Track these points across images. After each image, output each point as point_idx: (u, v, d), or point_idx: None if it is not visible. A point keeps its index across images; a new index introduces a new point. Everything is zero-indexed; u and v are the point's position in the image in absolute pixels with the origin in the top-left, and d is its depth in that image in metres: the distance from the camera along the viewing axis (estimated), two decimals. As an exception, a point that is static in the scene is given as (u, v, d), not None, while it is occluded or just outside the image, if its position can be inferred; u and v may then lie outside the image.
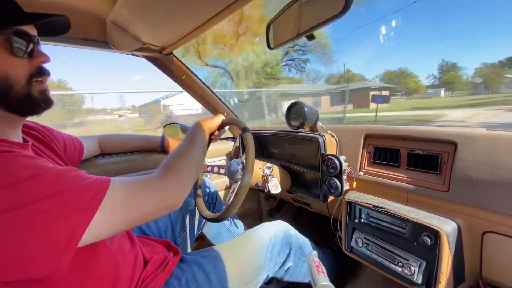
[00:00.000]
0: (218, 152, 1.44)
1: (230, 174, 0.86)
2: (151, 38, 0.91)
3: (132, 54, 1.01)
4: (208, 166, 1.00)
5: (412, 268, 0.67)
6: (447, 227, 0.61)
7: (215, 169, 0.96)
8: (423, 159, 0.72)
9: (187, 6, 0.72)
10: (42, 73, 0.50)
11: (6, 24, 0.45)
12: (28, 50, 0.47)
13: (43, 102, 0.51)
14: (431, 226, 0.62)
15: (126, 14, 0.76)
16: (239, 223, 1.22)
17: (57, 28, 0.56)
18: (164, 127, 1.31)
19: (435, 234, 0.62)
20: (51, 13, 0.51)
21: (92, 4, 0.75)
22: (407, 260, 0.69)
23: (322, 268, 0.60)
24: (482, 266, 0.63)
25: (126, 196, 0.46)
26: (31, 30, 0.49)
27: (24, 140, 0.55)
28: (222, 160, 1.46)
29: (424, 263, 0.66)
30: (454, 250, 0.62)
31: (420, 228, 0.65)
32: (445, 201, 0.66)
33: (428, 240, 0.63)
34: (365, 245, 0.79)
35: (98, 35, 0.87)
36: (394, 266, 0.71)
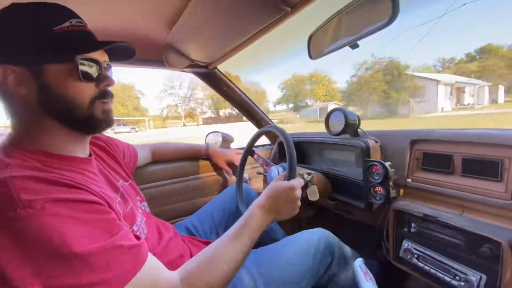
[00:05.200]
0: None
1: (270, 180, 0.89)
2: (199, 55, 1.00)
3: (182, 71, 1.12)
4: (255, 153, 1.01)
5: (471, 282, 0.62)
6: (510, 238, 0.56)
7: (260, 161, 0.96)
8: (481, 165, 0.68)
9: (233, 25, 0.79)
10: (105, 95, 0.53)
11: (78, 52, 0.48)
12: (95, 76, 0.51)
13: (104, 122, 0.54)
14: (492, 237, 0.58)
15: (180, 36, 0.85)
16: (279, 229, 1.23)
17: (123, 55, 0.60)
18: (207, 135, 1.40)
19: (496, 246, 0.58)
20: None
21: (151, 29, 0.87)
22: (465, 274, 0.64)
23: (370, 276, 0.59)
24: None
25: None
26: (101, 56, 0.53)
27: (89, 153, 0.61)
28: (259, 167, 1.50)
29: (485, 277, 0.61)
30: None
31: (479, 239, 0.61)
32: (507, 211, 0.61)
33: (489, 252, 0.59)
34: (415, 256, 0.76)
35: (155, 56, 0.99)
36: (449, 279, 0.67)
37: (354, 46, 0.59)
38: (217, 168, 1.31)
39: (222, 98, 1.33)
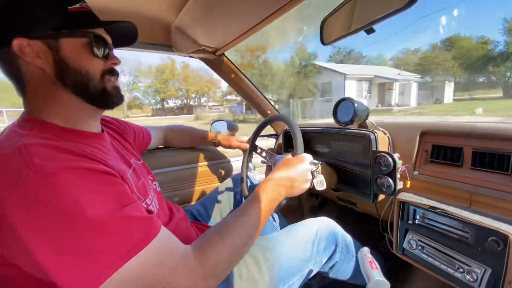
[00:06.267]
0: None
1: None
2: (207, 40, 0.98)
3: (190, 56, 1.11)
4: (258, 147, 1.01)
5: (475, 274, 0.62)
6: None
7: (263, 154, 0.97)
8: (491, 158, 0.67)
9: (242, 9, 0.77)
10: (113, 72, 0.58)
11: (85, 27, 0.53)
12: (104, 53, 0.55)
13: (115, 97, 0.58)
14: (500, 231, 0.58)
15: (189, 19, 0.84)
16: (281, 218, 1.24)
17: (127, 37, 0.64)
18: (212, 123, 1.40)
19: (504, 240, 0.57)
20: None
21: (159, 11, 0.85)
22: (469, 266, 0.64)
23: (376, 264, 0.59)
24: None
25: (151, 270, 0.42)
26: (107, 37, 0.58)
27: (102, 130, 0.64)
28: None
29: (490, 270, 0.61)
30: None
31: (486, 233, 0.61)
32: None
33: (496, 245, 0.59)
34: (419, 247, 0.76)
35: (163, 40, 0.97)
36: (453, 271, 0.67)
37: (369, 31, 0.57)
38: (222, 157, 1.32)
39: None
